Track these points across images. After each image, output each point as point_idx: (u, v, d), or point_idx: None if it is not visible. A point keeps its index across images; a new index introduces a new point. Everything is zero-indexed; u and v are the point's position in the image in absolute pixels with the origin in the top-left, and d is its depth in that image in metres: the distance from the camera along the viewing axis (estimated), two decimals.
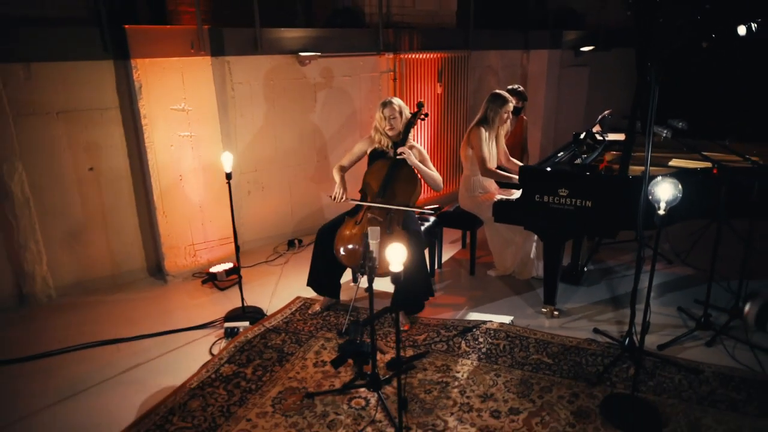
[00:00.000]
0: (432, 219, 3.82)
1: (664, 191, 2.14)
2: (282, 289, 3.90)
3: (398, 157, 3.21)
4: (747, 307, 3.10)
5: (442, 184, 3.40)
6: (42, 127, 3.49)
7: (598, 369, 2.80)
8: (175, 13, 4.13)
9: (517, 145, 4.65)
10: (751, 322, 3.12)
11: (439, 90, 5.29)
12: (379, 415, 2.49)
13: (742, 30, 3.87)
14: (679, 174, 3.00)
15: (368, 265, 2.15)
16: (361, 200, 3.24)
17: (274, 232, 4.66)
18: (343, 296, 3.57)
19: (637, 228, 2.40)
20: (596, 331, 3.18)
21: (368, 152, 3.42)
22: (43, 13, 3.48)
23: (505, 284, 3.88)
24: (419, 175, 3.29)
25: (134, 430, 2.42)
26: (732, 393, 2.61)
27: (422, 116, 3.34)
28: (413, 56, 5.04)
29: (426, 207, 3.43)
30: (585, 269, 3.97)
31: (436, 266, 4.07)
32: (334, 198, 3.32)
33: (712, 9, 2.93)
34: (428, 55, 5.14)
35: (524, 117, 4.74)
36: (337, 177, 3.39)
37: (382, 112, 3.28)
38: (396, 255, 1.92)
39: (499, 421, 2.45)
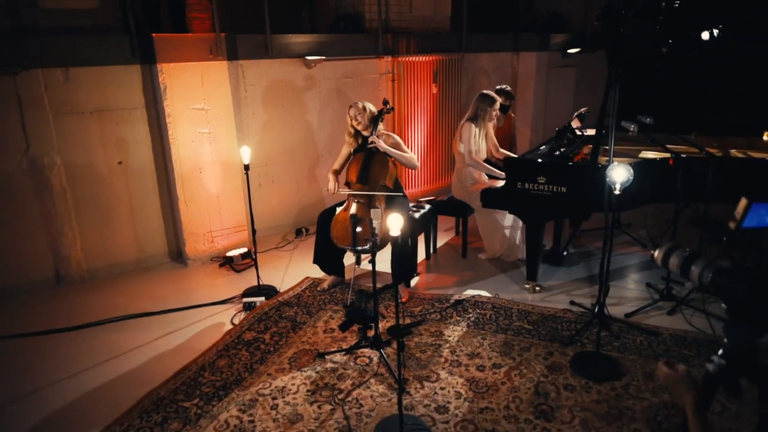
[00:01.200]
0: (427, 207, 4.24)
1: (619, 174, 2.55)
2: (292, 270, 4.32)
3: (369, 146, 3.63)
4: (656, 253, 3.51)
5: (416, 163, 3.79)
6: (77, 124, 3.90)
7: (571, 333, 3.22)
8: (193, 20, 4.53)
9: (505, 139, 5.06)
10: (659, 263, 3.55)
11: (434, 90, 5.71)
12: (381, 370, 2.90)
13: (705, 35, 4.31)
14: (641, 163, 3.43)
15: (372, 239, 2.55)
16: (349, 191, 3.68)
17: (282, 222, 5.08)
18: (348, 276, 3.98)
19: (605, 210, 2.82)
20: (572, 302, 3.60)
21: (351, 152, 3.84)
22: (79, 23, 3.89)
23: (494, 266, 4.30)
24: (391, 159, 3.71)
25: (171, 382, 2.84)
26: (684, 350, 3.03)
27: (387, 110, 3.76)
28: (410, 59, 5.45)
29: (421, 198, 3.85)
30: (565, 252, 4.39)
31: (431, 250, 4.49)
32: (329, 190, 3.75)
33: (669, 20, 3.35)
34: (424, 58, 5.55)
35: (512, 114, 5.16)
36: (332, 177, 3.83)
37: (349, 113, 3.70)
38: (393, 224, 2.32)
39: (483, 373, 2.87)
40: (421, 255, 4.36)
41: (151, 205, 4.36)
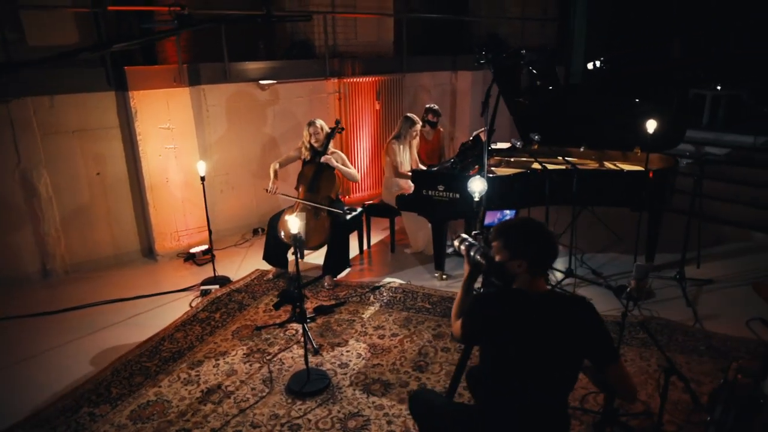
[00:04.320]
0: (359, 210, 5.05)
1: (477, 185, 3.37)
2: (246, 264, 5.10)
3: (322, 161, 4.42)
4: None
5: (358, 177, 4.60)
6: (62, 142, 4.65)
7: None
8: (162, 51, 5.31)
9: (435, 151, 5.89)
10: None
11: (377, 107, 6.52)
12: (303, 338, 3.71)
13: (590, 65, 5.21)
14: (517, 175, 4.27)
15: (297, 238, 3.32)
16: (291, 195, 4.45)
17: (242, 222, 5.85)
18: (291, 268, 4.77)
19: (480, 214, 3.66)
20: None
21: (302, 160, 4.62)
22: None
23: (416, 258, 5.12)
24: (338, 173, 4.50)
25: (137, 349, 3.62)
26: None
27: (339, 130, 4.55)
28: (355, 80, 6.26)
29: (368, 201, 4.65)
30: None
31: (365, 246, 5.30)
32: (268, 191, 4.49)
33: (544, 59, 4.21)
34: (368, 79, 6.36)
35: (441, 129, 5.98)
36: (272, 173, 4.54)
37: (308, 130, 4.48)
38: (293, 224, 3.10)
39: (382, 340, 3.68)
40: (356, 250, 5.18)
41: (125, 209, 5.11)
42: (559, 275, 4.54)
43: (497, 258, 1.90)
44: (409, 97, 6.97)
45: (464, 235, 2.18)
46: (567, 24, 8.54)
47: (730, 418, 2.13)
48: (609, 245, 5.30)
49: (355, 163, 6.50)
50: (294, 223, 3.07)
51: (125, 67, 4.65)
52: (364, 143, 6.52)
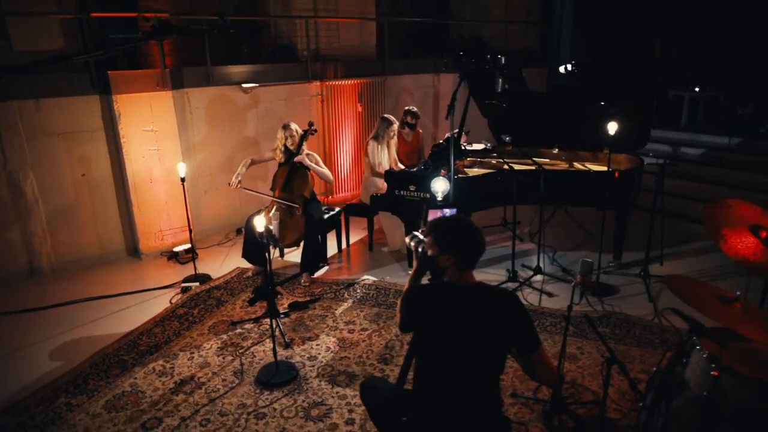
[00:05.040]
0: (337, 209, 5.20)
1: (439, 185, 3.53)
2: (228, 262, 5.25)
3: (295, 161, 4.58)
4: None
5: (331, 177, 4.76)
6: (47, 144, 4.80)
7: None
8: (152, 55, 5.46)
9: (414, 152, 6.03)
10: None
11: (359, 109, 6.68)
12: (276, 333, 3.86)
13: (562, 69, 5.37)
14: (486, 175, 4.42)
15: (266, 235, 3.47)
16: (255, 191, 4.61)
17: (225, 222, 6.00)
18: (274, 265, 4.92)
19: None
20: None
21: (278, 161, 4.78)
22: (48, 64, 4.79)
23: (393, 257, 5.27)
24: (312, 173, 4.66)
25: (116, 343, 3.77)
26: None
27: (312, 132, 4.70)
28: (337, 83, 6.41)
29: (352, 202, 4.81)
30: None
31: (343, 245, 5.45)
32: (231, 184, 4.63)
33: (511, 64, 4.37)
34: (350, 81, 6.51)
35: (420, 130, 6.13)
36: (241, 167, 4.67)
37: (284, 133, 4.64)
38: (258, 223, 3.25)
39: (352, 334, 3.83)
40: (335, 249, 5.34)
41: (110, 210, 5.26)
42: (529, 272, 4.69)
43: (429, 252, 2.05)
44: (392, 99, 7.12)
45: (416, 233, 2.32)
46: (550, 26, 8.70)
47: (660, 404, 2.28)
48: (581, 243, 5.45)
49: (337, 165, 6.66)
50: (260, 223, 3.22)
51: (108, 72, 4.81)
52: (346, 145, 6.67)
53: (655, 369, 2.48)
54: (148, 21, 4.35)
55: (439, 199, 3.56)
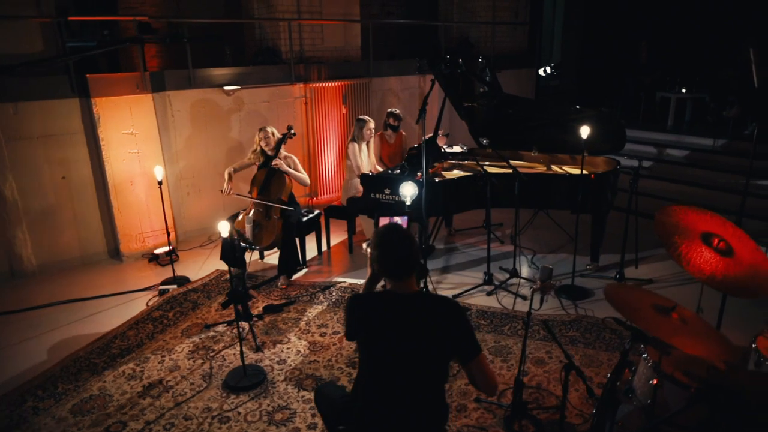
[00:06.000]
0: (316, 212, 5.21)
1: (408, 189, 3.54)
2: (208, 264, 5.27)
3: (273, 165, 4.60)
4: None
5: (308, 181, 4.79)
6: (26, 147, 4.82)
7: None
8: (133, 57, 5.48)
9: (397, 154, 6.04)
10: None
11: (344, 111, 6.69)
12: (249, 336, 3.88)
13: (542, 71, 5.36)
14: (461, 178, 4.44)
15: (237, 239, 3.51)
16: (246, 195, 4.63)
17: (208, 224, 6.02)
18: (250, 269, 4.95)
19: (423, 214, 3.83)
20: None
21: (256, 164, 4.80)
22: (28, 67, 4.82)
23: None
24: (288, 177, 4.68)
25: (89, 346, 3.79)
26: (481, 320, 4.04)
27: (290, 135, 4.72)
28: (321, 85, 6.42)
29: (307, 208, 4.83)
30: (435, 246, 5.40)
31: (323, 247, 5.46)
32: (223, 191, 4.68)
33: (484, 67, 4.38)
34: (334, 83, 6.52)
35: (402, 132, 6.14)
36: (226, 176, 4.74)
37: (259, 135, 4.66)
38: (222, 228, 3.28)
39: (323, 338, 3.85)
40: (315, 251, 5.36)
41: (91, 212, 5.28)
42: (505, 275, 4.70)
43: (370, 260, 2.07)
44: (377, 101, 7.13)
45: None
46: (537, 28, 8.70)
47: (607, 411, 2.29)
48: (562, 246, 5.46)
49: (321, 167, 6.67)
50: (224, 228, 3.24)
51: (87, 75, 4.82)
52: (330, 147, 6.69)
53: (608, 375, 2.49)
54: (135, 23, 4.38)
55: (408, 203, 3.57)
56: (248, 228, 4.37)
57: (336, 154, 6.78)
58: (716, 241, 2.38)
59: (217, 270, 5.05)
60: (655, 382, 1.94)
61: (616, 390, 2.13)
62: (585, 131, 4.13)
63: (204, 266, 5.23)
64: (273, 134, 4.66)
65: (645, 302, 1.98)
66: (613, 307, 2.04)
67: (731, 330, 3.28)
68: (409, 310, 1.99)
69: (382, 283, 2.35)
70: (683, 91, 7.66)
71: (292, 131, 4.73)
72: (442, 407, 2.11)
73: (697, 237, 2.38)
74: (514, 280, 4.64)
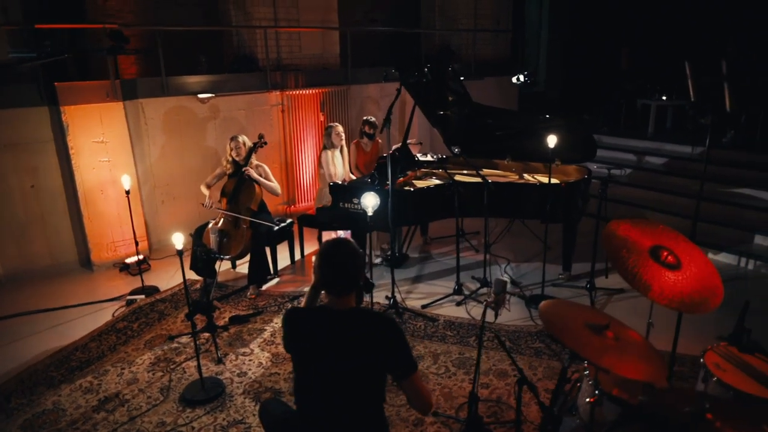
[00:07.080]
0: (288, 221, 5.18)
1: (369, 200, 3.51)
2: (179, 274, 5.19)
3: (243, 174, 4.57)
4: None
5: (279, 191, 4.77)
6: None
7: None
8: (99, 66, 5.44)
9: (373, 162, 5.99)
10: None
11: (321, 118, 6.66)
12: (210, 347, 3.83)
13: (514, 79, 5.34)
14: (429, 188, 4.41)
15: (204, 252, 3.47)
16: (219, 207, 4.61)
17: (183, 232, 5.95)
18: (220, 278, 4.90)
19: (391, 224, 3.79)
20: (386, 297, 4.55)
21: (227, 174, 4.77)
22: None
23: None
24: (259, 187, 4.65)
25: (48, 359, 3.74)
26: (447, 331, 4.00)
27: (261, 144, 4.69)
28: (298, 92, 6.40)
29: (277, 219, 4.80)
30: (408, 255, 5.36)
31: (297, 256, 5.42)
32: (205, 205, 4.66)
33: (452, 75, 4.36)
34: (312, 91, 6.50)
35: (379, 140, 6.12)
36: (205, 191, 4.74)
37: (230, 145, 4.64)
38: (176, 241, 3.24)
39: None
40: (287, 261, 5.32)
41: (62, 221, 5.24)
42: (476, 285, 4.67)
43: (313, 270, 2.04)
44: (356, 108, 7.11)
45: None
46: (518, 35, 8.71)
47: (550, 428, 2.26)
48: (537, 254, 5.44)
49: (298, 175, 6.64)
50: (177, 240, 3.20)
51: (55, 83, 4.79)
52: (308, 155, 6.66)
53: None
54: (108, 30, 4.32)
55: (370, 213, 3.55)
56: (213, 238, 4.34)
57: (313, 162, 6.75)
58: (665, 254, 2.36)
59: (188, 279, 5.00)
60: (591, 400, 1.91)
61: (561, 406, 2.10)
62: (552, 140, 4.11)
63: (176, 276, 5.18)
64: (244, 143, 4.63)
65: (579, 321, 1.95)
66: (545, 326, 2.01)
67: (688, 342, 3.26)
68: (345, 327, 1.95)
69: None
70: (663, 98, 7.67)
71: (263, 140, 4.70)
72: (381, 424, 2.07)
73: (646, 251, 2.36)
74: (485, 290, 4.61)
